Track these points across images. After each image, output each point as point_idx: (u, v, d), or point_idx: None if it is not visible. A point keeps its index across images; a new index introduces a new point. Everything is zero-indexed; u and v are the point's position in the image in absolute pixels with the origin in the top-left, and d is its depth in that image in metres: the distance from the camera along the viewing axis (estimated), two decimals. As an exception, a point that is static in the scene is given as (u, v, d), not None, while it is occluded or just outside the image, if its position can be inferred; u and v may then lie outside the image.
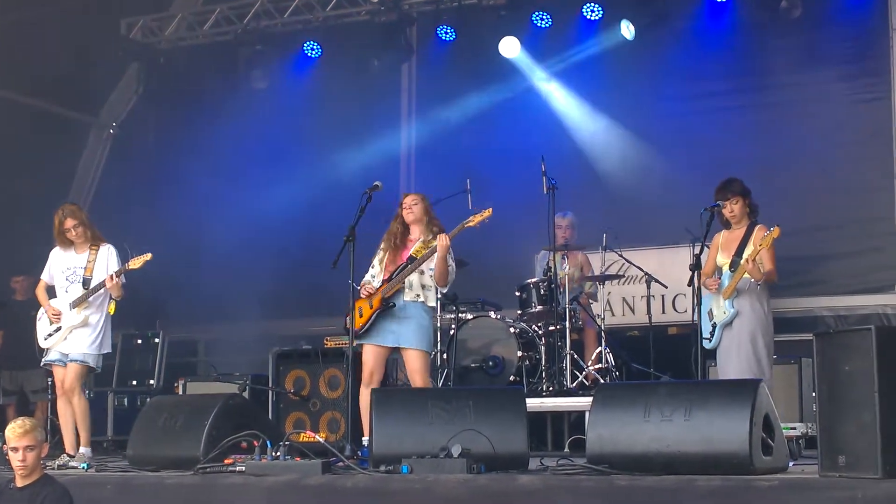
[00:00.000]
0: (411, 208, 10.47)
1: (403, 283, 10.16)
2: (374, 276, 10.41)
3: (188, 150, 16.40)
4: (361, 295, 10.21)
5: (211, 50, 16.88)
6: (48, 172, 16.55)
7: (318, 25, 16.33)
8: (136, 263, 11.04)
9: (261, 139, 16.76)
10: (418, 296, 10.19)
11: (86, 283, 11.02)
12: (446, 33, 15.86)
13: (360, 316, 10.18)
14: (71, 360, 10.96)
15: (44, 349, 11.21)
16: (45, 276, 11.29)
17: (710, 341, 10.07)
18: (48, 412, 14.42)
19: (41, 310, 11.23)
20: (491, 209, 10.21)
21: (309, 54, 16.48)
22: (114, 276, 10.89)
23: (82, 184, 17.92)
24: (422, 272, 10.20)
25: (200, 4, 17.35)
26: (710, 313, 10.08)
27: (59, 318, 11.00)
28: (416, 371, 10.13)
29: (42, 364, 11.26)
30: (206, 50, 16.92)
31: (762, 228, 9.96)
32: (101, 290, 10.95)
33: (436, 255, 10.05)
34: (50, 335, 11.08)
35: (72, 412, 10.96)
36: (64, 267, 11.14)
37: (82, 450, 10.85)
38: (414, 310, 10.19)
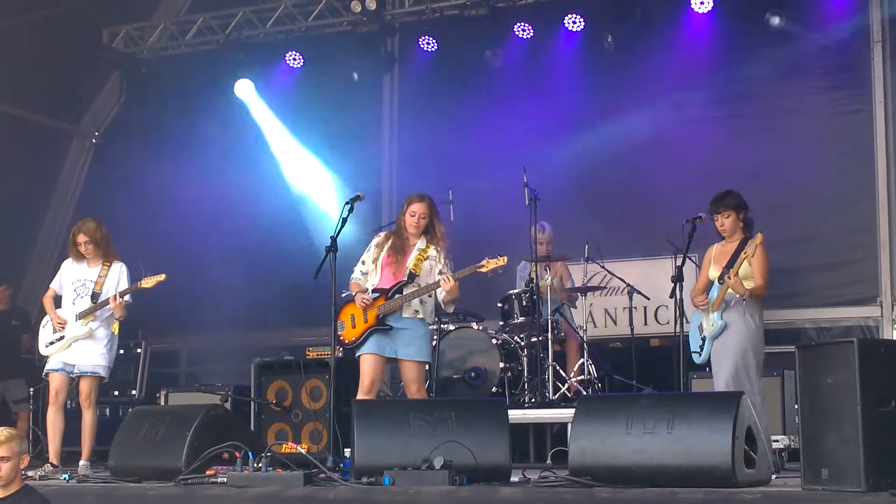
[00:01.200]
0: (418, 223, 10.22)
1: (401, 303, 10.03)
2: (366, 273, 10.26)
3: (170, 160, 16.37)
4: (358, 304, 10.05)
5: (193, 59, 16.87)
6: (29, 182, 16.55)
7: (300, 36, 16.34)
8: (148, 283, 11.09)
9: (243, 149, 16.74)
10: (417, 311, 10.08)
11: (95, 296, 11.07)
12: (428, 44, 15.86)
13: (353, 326, 10.07)
14: (84, 373, 11.01)
15: (44, 357, 11.27)
16: (54, 286, 11.33)
17: (700, 355, 10.01)
18: (30, 422, 14.39)
19: (45, 318, 11.29)
20: (506, 258, 10.11)
21: (291, 64, 16.47)
22: (118, 297, 10.93)
23: (64, 193, 17.90)
24: (409, 281, 10.11)
25: (183, 14, 17.36)
26: (701, 327, 10.02)
27: (63, 327, 11.02)
28: (411, 381, 10.05)
29: (44, 373, 11.24)
30: (189, 59, 16.91)
31: (752, 243, 9.92)
32: (108, 307, 10.99)
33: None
34: (52, 343, 11.12)
35: (62, 422, 11.05)
36: (74, 279, 11.20)
37: (83, 463, 10.88)
38: (410, 323, 10.07)
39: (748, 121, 14.73)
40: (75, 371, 11.02)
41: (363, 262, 10.33)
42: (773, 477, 8.32)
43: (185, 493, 8.58)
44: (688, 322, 10.15)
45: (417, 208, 10.21)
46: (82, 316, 11.01)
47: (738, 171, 13.53)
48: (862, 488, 6.91)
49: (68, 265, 11.30)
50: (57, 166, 17.83)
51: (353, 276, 10.30)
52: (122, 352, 13.92)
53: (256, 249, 15.87)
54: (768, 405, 10.68)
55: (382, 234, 10.42)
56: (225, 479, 8.55)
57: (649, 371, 12.71)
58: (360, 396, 9.96)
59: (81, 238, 11.14)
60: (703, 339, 9.91)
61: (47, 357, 11.18)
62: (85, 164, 18.08)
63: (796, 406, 8.17)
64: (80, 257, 11.22)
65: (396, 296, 10.03)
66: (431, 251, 10.21)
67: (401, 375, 10.26)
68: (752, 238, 9.92)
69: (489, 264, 10.04)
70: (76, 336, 11.01)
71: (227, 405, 12.11)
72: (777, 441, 10.04)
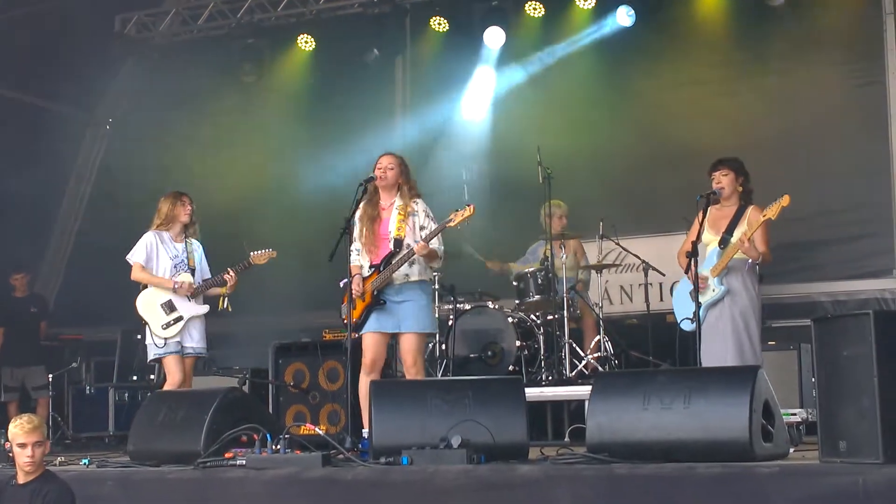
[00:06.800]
0: (385, 173, 10.06)
1: (389, 274, 9.89)
2: (359, 251, 10.06)
3: (184, 146, 16.39)
4: (354, 291, 9.85)
5: (205, 44, 16.86)
6: (44, 169, 16.56)
7: (311, 18, 16.32)
8: (261, 259, 11.09)
9: (255, 133, 16.75)
10: (408, 276, 9.93)
11: (192, 273, 10.89)
12: (439, 24, 15.86)
13: (354, 308, 9.89)
14: (199, 354, 10.95)
15: (159, 340, 10.74)
16: (140, 259, 10.78)
17: (692, 322, 9.96)
18: (50, 408, 14.46)
19: (146, 297, 10.84)
20: (473, 206, 9.87)
21: (303, 47, 16.47)
22: (230, 271, 10.91)
23: (79, 180, 17.95)
24: (398, 250, 9.95)
25: (194, -1, 17.39)
26: (692, 293, 9.95)
27: (191, 291, 10.82)
28: (407, 351, 9.90)
29: (157, 356, 10.79)
30: (201, 44, 16.90)
31: (757, 209, 9.90)
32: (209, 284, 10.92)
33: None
34: (169, 324, 10.78)
35: None
36: (172, 254, 10.88)
37: None
38: (409, 292, 9.97)
39: (761, 95, 14.71)
40: (187, 352, 10.82)
41: (353, 241, 10.10)
42: (791, 450, 8.33)
43: (203, 476, 8.59)
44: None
45: (385, 160, 10.13)
46: (195, 295, 10.89)
47: (753, 146, 13.49)
48: (880, 460, 6.91)
49: (155, 239, 10.87)
50: (71, 153, 17.88)
51: (351, 258, 10.10)
52: (139, 337, 13.99)
53: (271, 232, 15.85)
54: (785, 379, 10.70)
55: (361, 207, 10.12)
56: (244, 462, 8.54)
57: (665, 347, 12.69)
58: (362, 375, 9.91)
59: (190, 208, 10.98)
60: (697, 306, 9.81)
61: (165, 340, 10.75)
62: (99, 151, 18.13)
63: (813, 379, 8.16)
64: (169, 230, 10.93)
65: (385, 269, 9.92)
66: (412, 206, 10.05)
67: (399, 347, 10.13)
68: (756, 205, 9.90)
69: (457, 217, 9.87)
70: (196, 314, 10.85)
71: (245, 388, 12.15)
72: (794, 414, 10.02)
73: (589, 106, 15.24)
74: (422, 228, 10.02)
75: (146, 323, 10.77)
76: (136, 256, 10.82)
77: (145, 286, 10.91)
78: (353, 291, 9.88)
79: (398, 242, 9.97)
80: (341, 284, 10.13)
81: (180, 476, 8.67)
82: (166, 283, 10.80)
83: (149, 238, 10.90)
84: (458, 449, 8.10)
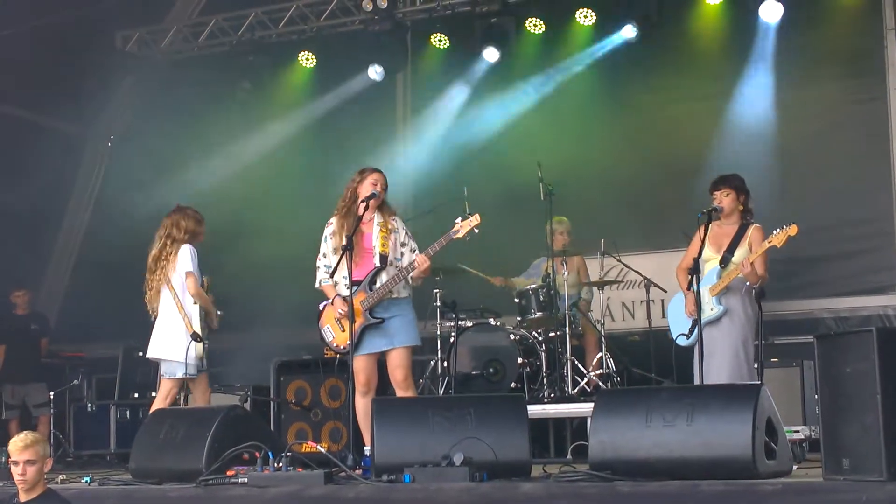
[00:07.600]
0: (381, 191, 9.98)
1: (384, 293, 9.79)
2: (330, 267, 9.89)
3: (186, 163, 16.39)
4: (338, 312, 9.83)
5: (206, 61, 16.87)
6: (46, 187, 16.55)
7: (312, 36, 16.36)
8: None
9: (257, 150, 16.75)
10: (391, 292, 9.82)
11: None
12: (440, 41, 15.87)
13: (343, 330, 9.83)
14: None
15: (198, 360, 10.72)
16: (198, 274, 10.82)
17: (688, 338, 9.97)
18: (51, 425, 14.44)
19: (199, 313, 10.83)
20: (479, 215, 9.79)
21: (304, 64, 16.48)
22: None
23: (80, 197, 17.94)
24: (383, 266, 9.85)
25: (195, 16, 17.38)
26: (688, 309, 9.94)
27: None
28: (398, 367, 9.81)
29: (191, 376, 10.72)
30: (202, 61, 16.91)
31: (759, 229, 9.91)
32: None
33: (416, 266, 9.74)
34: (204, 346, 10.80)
35: None
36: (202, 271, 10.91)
37: None
38: (395, 308, 9.88)
39: (763, 111, 14.69)
40: (198, 370, 10.82)
41: (325, 256, 10.05)
42: (794, 467, 8.31)
43: (205, 494, 8.58)
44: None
45: (379, 178, 10.02)
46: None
47: (754, 162, 13.51)
48: (884, 477, 6.89)
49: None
50: (73, 171, 17.87)
51: (319, 277, 10.07)
52: (140, 354, 13.99)
53: (271, 248, 15.86)
54: (787, 395, 10.69)
55: (335, 221, 10.08)
56: (245, 480, 8.54)
57: (668, 364, 12.68)
58: (358, 397, 9.85)
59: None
60: (694, 323, 9.81)
61: (197, 361, 10.72)
62: (101, 169, 18.12)
63: (816, 396, 8.16)
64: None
65: (375, 286, 9.81)
66: (392, 223, 9.99)
67: (387, 363, 9.98)
68: (758, 224, 9.91)
69: (463, 227, 9.74)
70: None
71: (247, 405, 12.13)
72: (797, 431, 10.00)
73: (590, 122, 15.25)
74: (402, 245, 9.98)
75: (202, 341, 10.74)
76: (196, 270, 10.80)
77: (154, 303, 10.92)
78: (339, 314, 9.83)
79: (384, 259, 9.88)
80: (321, 307, 10.12)
81: (182, 494, 8.66)
82: (211, 308, 10.91)
83: (196, 252, 10.89)
84: (461, 466, 8.09)
